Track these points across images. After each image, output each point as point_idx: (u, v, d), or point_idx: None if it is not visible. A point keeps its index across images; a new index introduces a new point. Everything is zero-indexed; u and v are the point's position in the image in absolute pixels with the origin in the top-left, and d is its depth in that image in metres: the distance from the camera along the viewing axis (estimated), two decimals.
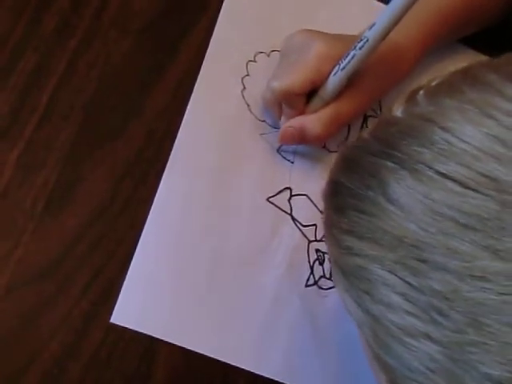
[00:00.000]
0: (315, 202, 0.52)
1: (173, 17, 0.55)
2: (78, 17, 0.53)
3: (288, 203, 0.52)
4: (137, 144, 0.51)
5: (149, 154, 0.51)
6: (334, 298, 0.50)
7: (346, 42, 0.47)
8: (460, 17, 0.54)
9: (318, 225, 0.52)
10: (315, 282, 0.50)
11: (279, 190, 0.52)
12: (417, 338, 0.27)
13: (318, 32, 0.50)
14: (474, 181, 0.26)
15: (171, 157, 0.51)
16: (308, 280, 0.50)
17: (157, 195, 0.49)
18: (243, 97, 0.54)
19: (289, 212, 0.52)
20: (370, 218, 0.29)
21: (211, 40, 0.55)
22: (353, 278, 0.30)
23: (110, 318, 0.46)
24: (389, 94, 0.54)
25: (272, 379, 0.48)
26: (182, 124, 0.52)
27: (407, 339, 0.27)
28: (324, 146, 0.54)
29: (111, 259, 0.47)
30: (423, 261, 0.27)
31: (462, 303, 0.26)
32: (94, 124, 0.50)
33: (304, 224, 0.51)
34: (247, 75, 0.55)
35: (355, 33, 0.51)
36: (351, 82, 0.48)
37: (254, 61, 0.55)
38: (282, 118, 0.51)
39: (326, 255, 0.51)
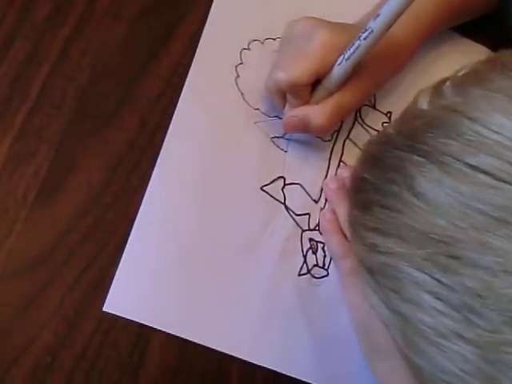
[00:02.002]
0: (308, 190, 0.52)
1: (166, 4, 0.55)
2: (70, 4, 0.53)
3: (281, 192, 0.52)
4: (129, 132, 0.50)
5: (141, 143, 0.50)
6: (326, 287, 0.50)
7: (350, 31, 0.47)
8: (459, 7, 0.54)
9: (311, 214, 0.51)
10: (308, 271, 0.50)
11: (273, 178, 0.52)
12: (449, 338, 0.26)
13: (322, 20, 0.49)
14: (506, 172, 0.25)
15: (164, 145, 0.50)
16: (301, 269, 0.50)
17: (149, 184, 0.49)
18: (237, 85, 0.54)
19: (282, 201, 0.51)
20: (395, 213, 0.28)
21: (205, 28, 0.54)
22: (379, 276, 0.29)
23: (102, 308, 0.46)
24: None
25: (266, 367, 0.48)
26: (176, 112, 0.52)
27: (439, 340, 0.26)
28: (318, 136, 0.54)
29: (103, 249, 0.47)
30: (454, 257, 0.26)
31: (495, 300, 0.25)
32: (87, 112, 0.50)
33: (297, 213, 0.51)
34: (241, 63, 0.54)
35: (350, 21, 0.51)
36: (353, 74, 0.47)
37: (248, 49, 0.55)
38: (286, 107, 0.51)
39: (319, 244, 0.51)
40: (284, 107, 0.51)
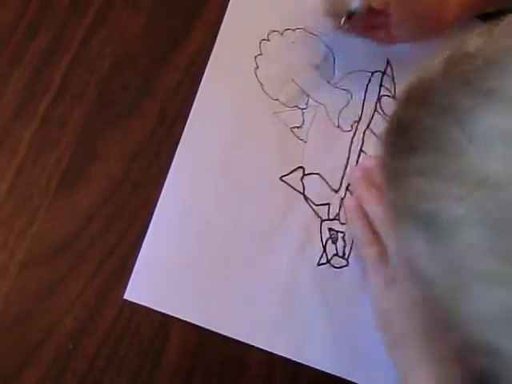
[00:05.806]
0: (328, 180, 0.52)
1: None
2: None
3: (301, 182, 0.52)
4: (150, 122, 0.51)
5: (161, 133, 0.51)
6: (346, 277, 0.50)
7: None
8: None
9: (331, 203, 0.51)
10: (328, 261, 0.50)
11: (292, 169, 0.52)
12: (496, 282, 0.25)
13: None
14: None
15: (184, 135, 0.51)
16: (320, 259, 0.50)
17: (169, 174, 0.50)
18: (256, 75, 0.54)
19: (301, 191, 0.52)
20: (445, 157, 0.27)
21: (224, 18, 0.54)
22: (424, 224, 0.28)
23: (123, 296, 0.46)
24: (403, 74, 0.54)
25: (285, 357, 0.48)
26: (195, 102, 0.52)
27: (485, 285, 0.25)
28: (338, 126, 0.54)
29: (124, 237, 0.48)
30: (504, 201, 0.25)
31: None
32: (107, 102, 0.50)
33: (317, 203, 0.51)
34: (260, 54, 0.54)
35: None
36: None
37: (268, 39, 0.55)
38: None
39: (339, 234, 0.51)
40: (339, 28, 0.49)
